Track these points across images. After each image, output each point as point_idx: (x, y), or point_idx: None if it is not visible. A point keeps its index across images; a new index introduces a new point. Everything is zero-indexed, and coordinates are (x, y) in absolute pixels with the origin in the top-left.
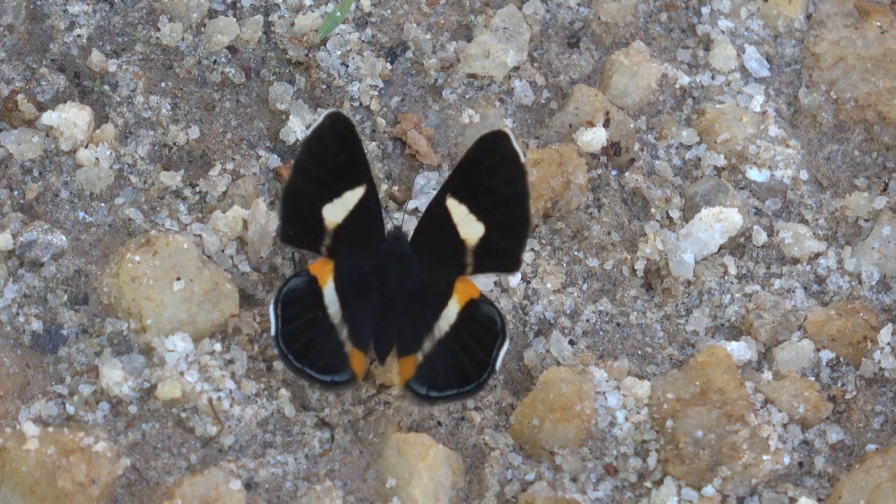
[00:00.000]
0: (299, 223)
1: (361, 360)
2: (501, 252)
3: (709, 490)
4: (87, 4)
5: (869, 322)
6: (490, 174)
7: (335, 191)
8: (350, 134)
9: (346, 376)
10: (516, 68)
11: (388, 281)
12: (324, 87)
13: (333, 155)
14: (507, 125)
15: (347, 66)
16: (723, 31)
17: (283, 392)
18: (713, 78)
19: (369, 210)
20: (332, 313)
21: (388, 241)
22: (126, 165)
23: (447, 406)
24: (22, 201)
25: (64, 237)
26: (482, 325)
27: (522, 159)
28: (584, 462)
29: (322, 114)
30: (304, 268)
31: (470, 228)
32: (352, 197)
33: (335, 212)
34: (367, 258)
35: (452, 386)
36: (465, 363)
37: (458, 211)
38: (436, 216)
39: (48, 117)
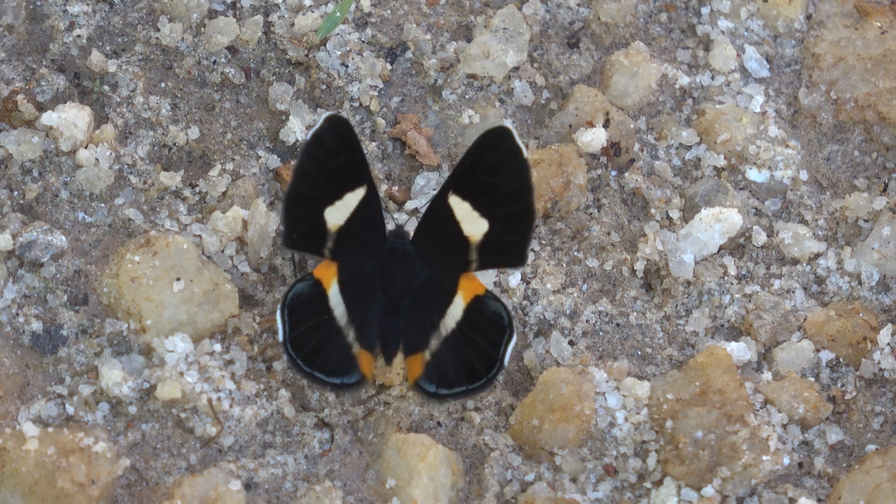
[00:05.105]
0: (302, 227)
1: (370, 361)
2: (507, 247)
3: (708, 490)
4: (87, 4)
5: (868, 322)
6: (493, 170)
7: (336, 193)
8: (349, 136)
9: (356, 378)
10: (516, 68)
11: (392, 280)
12: (323, 87)
13: (333, 158)
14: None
15: (347, 66)
16: (723, 32)
17: (283, 392)
18: (713, 78)
19: (370, 211)
20: (338, 316)
21: (389, 240)
22: (126, 166)
23: (449, 405)
24: (22, 202)
25: (64, 237)
26: (489, 320)
27: (525, 153)
28: (584, 462)
29: (321, 117)
30: (308, 272)
31: (474, 225)
32: (353, 199)
33: (337, 214)
34: (370, 259)
35: (462, 383)
36: (474, 359)
37: (460, 208)
38: (438, 214)
39: (48, 117)
